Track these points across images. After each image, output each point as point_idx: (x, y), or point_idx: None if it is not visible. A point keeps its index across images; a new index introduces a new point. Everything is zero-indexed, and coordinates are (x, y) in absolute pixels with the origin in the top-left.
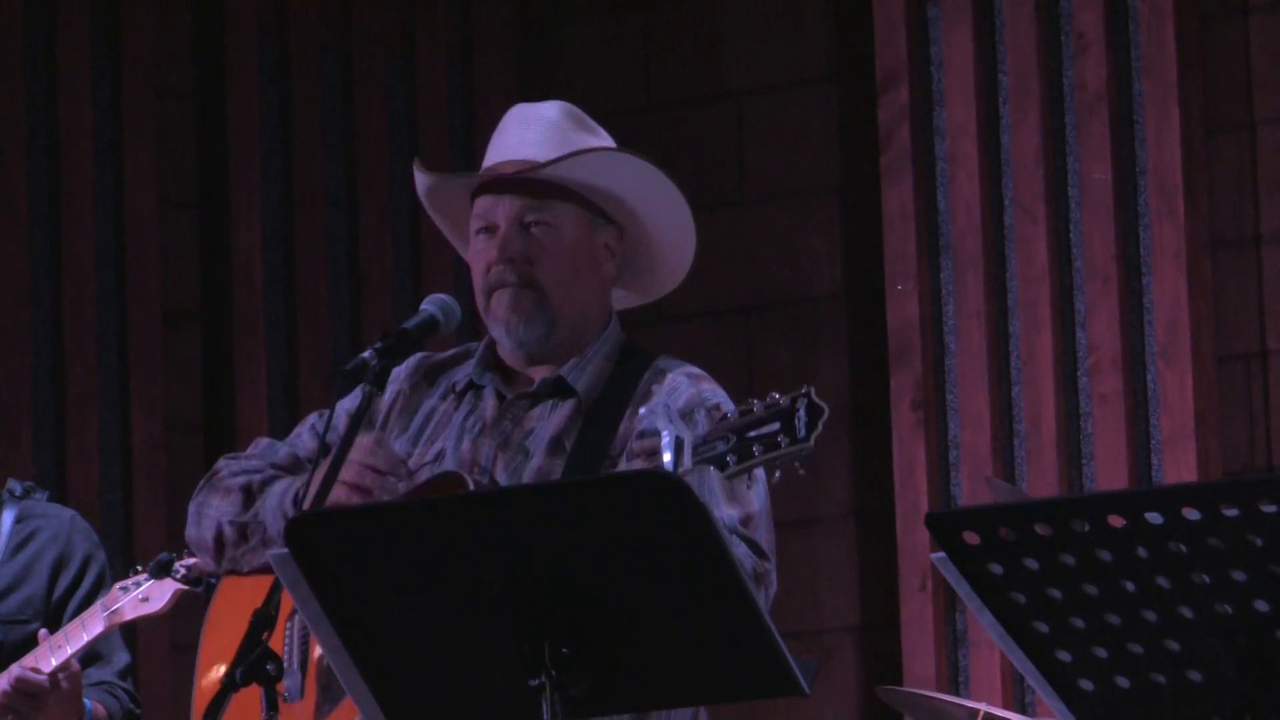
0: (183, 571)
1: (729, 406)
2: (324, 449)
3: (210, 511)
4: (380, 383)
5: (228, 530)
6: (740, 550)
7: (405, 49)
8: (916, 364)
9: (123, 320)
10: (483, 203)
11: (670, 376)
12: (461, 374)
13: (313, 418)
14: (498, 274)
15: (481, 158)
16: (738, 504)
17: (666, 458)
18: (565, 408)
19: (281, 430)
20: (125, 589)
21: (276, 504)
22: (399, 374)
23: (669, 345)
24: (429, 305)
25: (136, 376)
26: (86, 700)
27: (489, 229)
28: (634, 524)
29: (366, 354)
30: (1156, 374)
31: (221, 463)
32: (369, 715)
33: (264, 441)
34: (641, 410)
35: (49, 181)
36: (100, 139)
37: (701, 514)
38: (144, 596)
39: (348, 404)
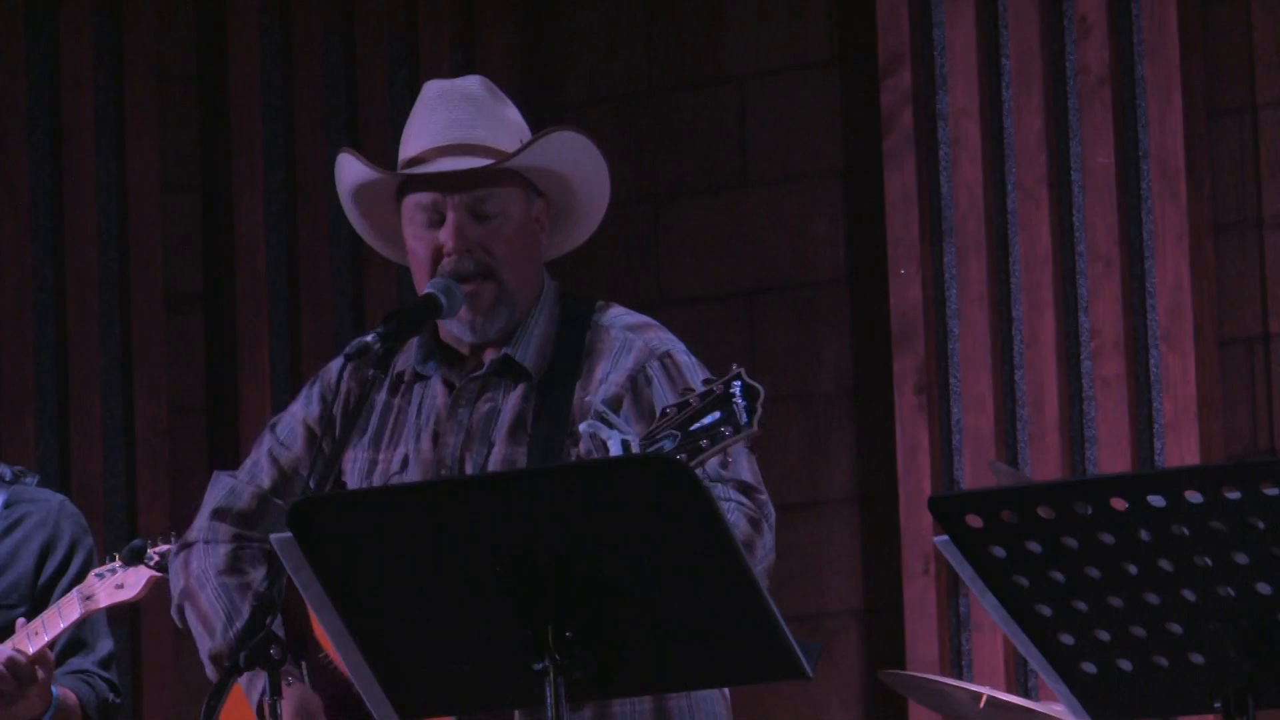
0: (156, 558)
1: (678, 350)
2: (328, 422)
3: (192, 614)
4: (384, 366)
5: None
6: (732, 509)
7: (407, 31)
8: (919, 348)
9: (125, 304)
10: (427, 192)
11: (614, 333)
12: (404, 360)
13: (267, 440)
14: (452, 264)
15: None
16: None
17: None
18: (518, 389)
19: None
20: (101, 576)
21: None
22: (344, 372)
23: (671, 328)
24: (431, 287)
25: (139, 360)
26: (54, 689)
27: (435, 218)
28: (637, 507)
29: (369, 337)
30: (1159, 357)
31: (194, 530)
32: (373, 699)
33: (225, 481)
34: (582, 426)
35: (51, 165)
36: (102, 122)
37: (704, 497)
38: (119, 583)
39: (300, 411)
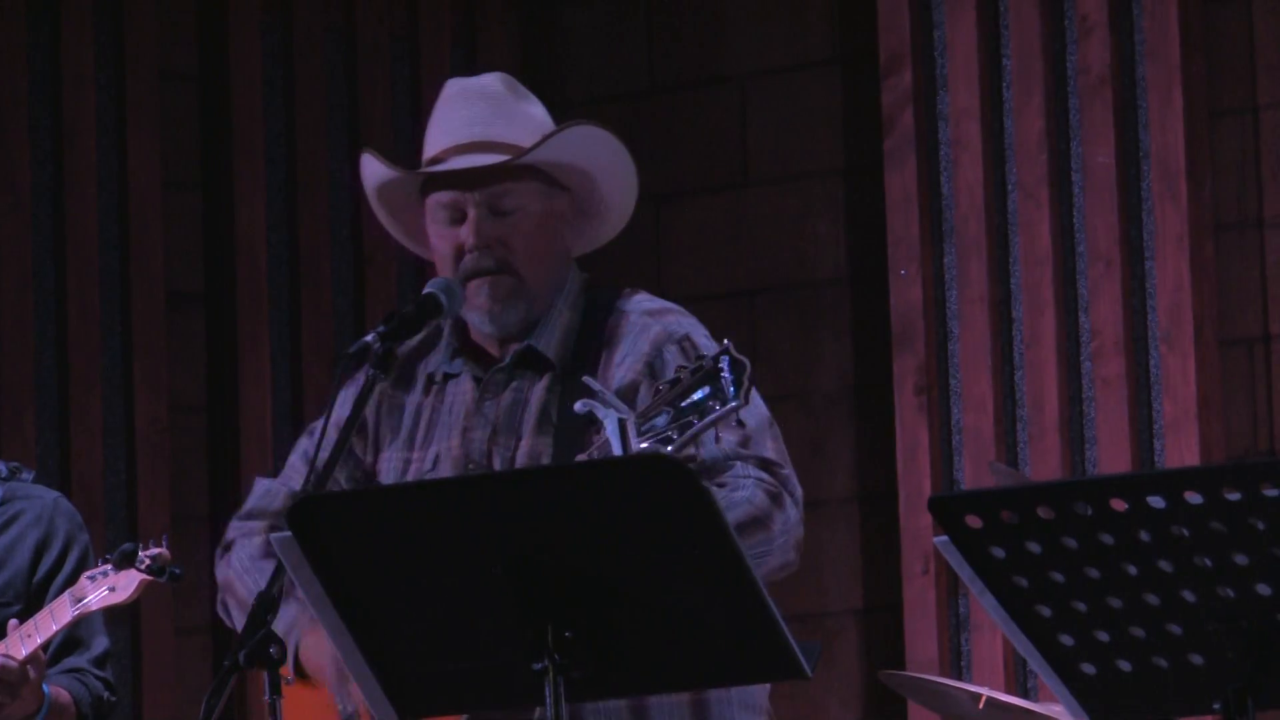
0: (147, 562)
1: (698, 334)
2: (354, 436)
3: (233, 603)
4: (384, 366)
5: None
6: (750, 485)
7: (408, 30)
8: (919, 348)
9: (126, 302)
10: (447, 191)
11: (632, 318)
12: (435, 361)
13: (303, 442)
14: (472, 260)
15: None
16: (732, 428)
17: (615, 444)
18: (543, 380)
19: (284, 413)
20: (93, 579)
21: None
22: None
23: None
24: (432, 287)
25: (140, 359)
26: (45, 687)
27: (457, 215)
28: (636, 507)
29: (369, 337)
30: (1159, 358)
31: (231, 530)
32: (372, 697)
33: (263, 484)
34: (577, 405)
35: (52, 164)
36: (103, 121)
37: (703, 496)
38: (111, 586)
39: (336, 415)
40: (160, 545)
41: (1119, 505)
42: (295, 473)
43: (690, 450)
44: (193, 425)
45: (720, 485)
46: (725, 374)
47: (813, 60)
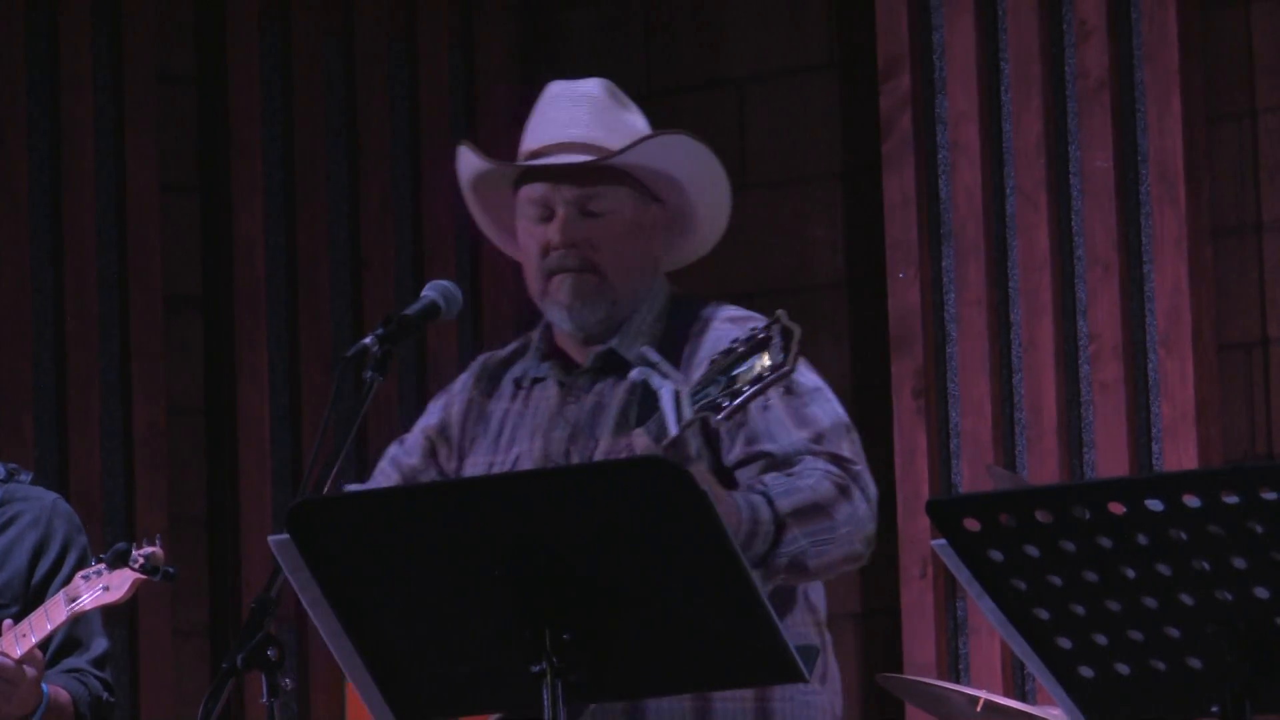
0: (140, 561)
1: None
2: (444, 431)
3: None
4: (382, 369)
5: None
6: (817, 475)
7: (407, 33)
8: (917, 351)
9: (124, 306)
10: (538, 187)
11: (714, 324)
12: (521, 369)
13: (393, 449)
14: (557, 258)
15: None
16: (806, 425)
17: (669, 414)
18: (624, 384)
19: (282, 415)
20: (87, 578)
21: None
22: (466, 382)
23: None
24: (430, 291)
25: (138, 362)
26: (44, 686)
27: (546, 213)
28: (634, 509)
29: (368, 340)
30: (1157, 361)
31: None
32: (369, 700)
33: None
34: (633, 374)
35: (50, 166)
36: (101, 123)
37: (700, 500)
38: (105, 585)
39: (423, 422)
40: (154, 545)
41: (1117, 509)
42: (385, 479)
43: (759, 446)
44: (190, 428)
45: (789, 475)
46: (776, 341)
47: (811, 64)
